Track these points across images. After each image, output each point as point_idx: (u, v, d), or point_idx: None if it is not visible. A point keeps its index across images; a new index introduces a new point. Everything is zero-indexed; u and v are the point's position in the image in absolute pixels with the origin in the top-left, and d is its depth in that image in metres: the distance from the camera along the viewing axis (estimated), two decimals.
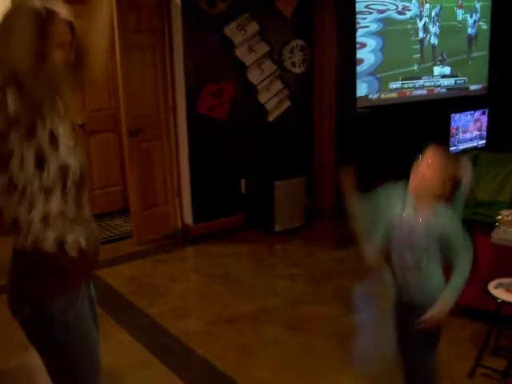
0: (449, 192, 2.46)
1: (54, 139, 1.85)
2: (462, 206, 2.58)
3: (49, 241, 1.88)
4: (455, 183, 2.47)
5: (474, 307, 3.65)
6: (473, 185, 2.64)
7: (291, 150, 6.20)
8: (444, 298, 2.37)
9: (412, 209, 2.45)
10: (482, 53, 7.50)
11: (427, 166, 2.42)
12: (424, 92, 7.05)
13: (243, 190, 5.98)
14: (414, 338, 2.50)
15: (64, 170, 1.88)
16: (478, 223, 3.41)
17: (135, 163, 5.39)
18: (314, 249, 5.37)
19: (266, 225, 5.76)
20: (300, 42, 6.12)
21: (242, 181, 5.95)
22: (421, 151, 2.64)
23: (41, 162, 1.83)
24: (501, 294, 3.01)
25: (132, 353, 3.58)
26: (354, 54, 6.30)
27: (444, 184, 2.42)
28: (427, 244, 2.40)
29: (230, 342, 3.70)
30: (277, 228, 5.72)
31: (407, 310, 2.51)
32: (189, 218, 5.79)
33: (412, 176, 2.45)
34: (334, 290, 4.45)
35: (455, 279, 2.38)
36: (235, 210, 5.95)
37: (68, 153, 1.89)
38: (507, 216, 3.17)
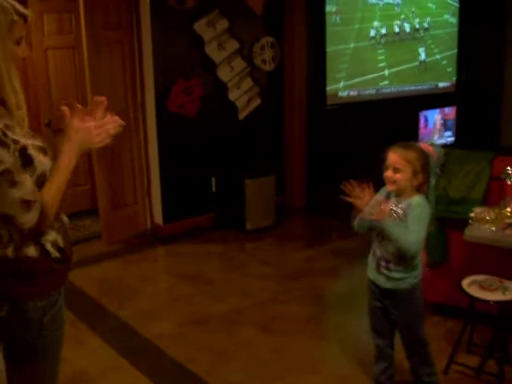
0: (424, 179, 2.63)
1: (26, 157, 1.75)
2: (434, 188, 2.74)
3: (31, 246, 1.83)
4: (427, 169, 2.63)
5: (447, 304, 3.67)
6: (443, 160, 2.76)
7: (262, 148, 6.17)
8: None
9: (395, 198, 2.67)
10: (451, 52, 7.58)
11: (393, 171, 2.61)
12: (393, 89, 7.08)
13: (214, 189, 5.92)
14: (402, 315, 2.79)
15: (42, 179, 1.81)
16: (450, 221, 3.42)
17: (103, 162, 5.28)
18: (285, 247, 5.34)
19: (237, 223, 5.71)
20: (270, 39, 6.07)
21: (213, 179, 5.90)
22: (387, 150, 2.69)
23: (14, 186, 1.71)
24: (474, 292, 3.02)
25: (102, 356, 3.50)
26: (324, 51, 6.30)
27: (416, 176, 2.60)
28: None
29: (202, 344, 3.65)
30: (248, 226, 5.67)
31: (388, 295, 2.77)
32: (159, 218, 5.70)
33: (385, 180, 2.65)
34: (306, 288, 4.43)
35: (401, 230, 2.56)
36: (206, 208, 5.89)
37: (43, 158, 1.81)
38: (480, 213, 3.18)
